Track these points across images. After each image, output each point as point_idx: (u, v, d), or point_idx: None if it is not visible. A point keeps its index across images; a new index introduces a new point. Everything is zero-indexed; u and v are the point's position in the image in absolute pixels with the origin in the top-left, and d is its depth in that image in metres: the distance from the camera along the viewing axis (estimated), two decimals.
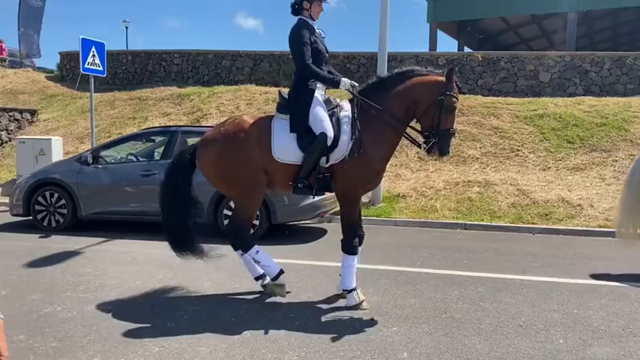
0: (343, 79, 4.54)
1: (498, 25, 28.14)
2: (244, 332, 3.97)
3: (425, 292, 5.00)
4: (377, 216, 9.30)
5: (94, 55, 10.53)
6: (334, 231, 8.43)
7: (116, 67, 18.44)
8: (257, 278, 4.86)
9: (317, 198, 7.38)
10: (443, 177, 10.41)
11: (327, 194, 5.94)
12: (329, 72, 4.68)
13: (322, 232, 8.28)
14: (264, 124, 4.58)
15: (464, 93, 4.73)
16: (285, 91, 4.78)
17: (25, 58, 23.81)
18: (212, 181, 4.76)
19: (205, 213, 6.51)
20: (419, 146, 4.69)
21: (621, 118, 11.45)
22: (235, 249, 4.78)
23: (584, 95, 13.27)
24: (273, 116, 4.66)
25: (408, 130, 4.68)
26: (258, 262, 4.68)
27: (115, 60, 18.49)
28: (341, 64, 15.38)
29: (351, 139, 4.38)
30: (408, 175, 10.77)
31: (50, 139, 11.55)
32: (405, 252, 6.90)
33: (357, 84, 4.67)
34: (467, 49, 28.17)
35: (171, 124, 13.37)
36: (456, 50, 27.39)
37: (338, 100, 4.71)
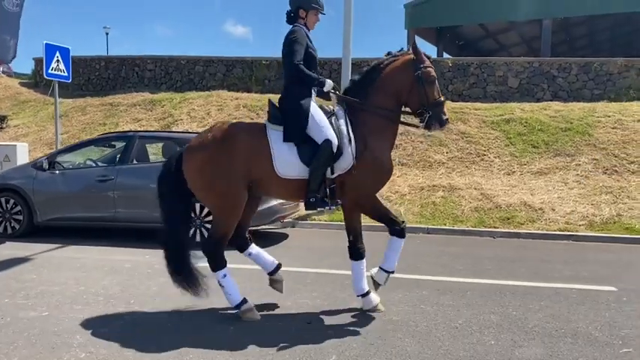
0: (327, 81, 4.43)
1: (477, 31, 28.42)
2: (176, 337, 3.93)
3: None
4: (341, 221, 9.27)
5: (58, 61, 10.47)
6: (296, 236, 8.44)
7: (89, 73, 18.35)
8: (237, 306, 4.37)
9: (275, 202, 7.37)
10: (408, 182, 10.46)
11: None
12: None
13: (283, 237, 8.26)
14: (258, 134, 4.28)
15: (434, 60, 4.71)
16: (275, 99, 4.54)
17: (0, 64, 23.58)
18: (194, 189, 4.35)
19: None
20: (417, 127, 4.60)
21: (585, 123, 11.61)
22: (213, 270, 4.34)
23: (551, 100, 13.44)
24: (265, 125, 4.40)
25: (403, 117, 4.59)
26: (221, 287, 4.31)
27: (88, 66, 18.41)
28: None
29: (355, 143, 4.23)
30: None
31: (15, 145, 11.42)
32: None
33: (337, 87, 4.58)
34: (446, 55, 28.41)
35: (140, 129, 13.31)
36: (435, 56, 27.54)
37: (331, 107, 4.53)
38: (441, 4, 23.96)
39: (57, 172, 7.69)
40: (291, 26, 4.47)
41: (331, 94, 4.52)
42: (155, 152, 8.95)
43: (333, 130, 4.25)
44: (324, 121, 4.27)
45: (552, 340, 3.96)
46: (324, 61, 15.52)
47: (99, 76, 18.24)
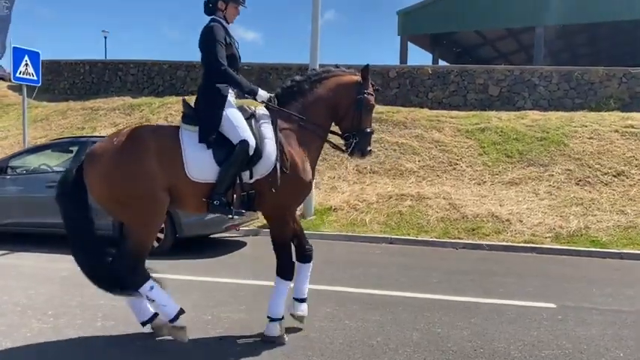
0: (261, 90, 4.20)
1: (474, 38, 28.24)
2: (80, 349, 3.82)
3: None
4: (305, 229, 9.13)
5: (27, 64, 10.37)
6: (253, 245, 8.29)
7: (74, 77, 18.37)
8: (144, 323, 4.07)
9: None
10: (377, 190, 10.30)
11: None
12: None
13: (240, 245, 8.12)
14: (169, 136, 3.99)
15: (378, 90, 4.53)
16: (191, 100, 4.30)
17: None
18: (100, 201, 3.97)
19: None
20: (342, 150, 4.46)
21: (562, 133, 11.43)
22: (124, 286, 3.93)
23: (532, 109, 13.25)
24: (178, 127, 4.14)
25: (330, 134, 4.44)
26: (152, 301, 3.91)
27: (73, 70, 18.44)
28: (293, 75, 15.32)
29: (277, 151, 4.00)
30: (344, 187, 10.66)
31: None
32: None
33: (273, 95, 4.30)
34: (442, 63, 28.25)
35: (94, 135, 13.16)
36: (430, 63, 27.42)
37: (252, 108, 4.28)
38: (435, 11, 23.84)
39: (8, 177, 7.60)
40: (209, 20, 4.20)
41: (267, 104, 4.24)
42: None
43: (252, 132, 4.02)
44: (240, 121, 4.03)
45: None
46: (304, 66, 15.40)
47: (83, 80, 18.24)
